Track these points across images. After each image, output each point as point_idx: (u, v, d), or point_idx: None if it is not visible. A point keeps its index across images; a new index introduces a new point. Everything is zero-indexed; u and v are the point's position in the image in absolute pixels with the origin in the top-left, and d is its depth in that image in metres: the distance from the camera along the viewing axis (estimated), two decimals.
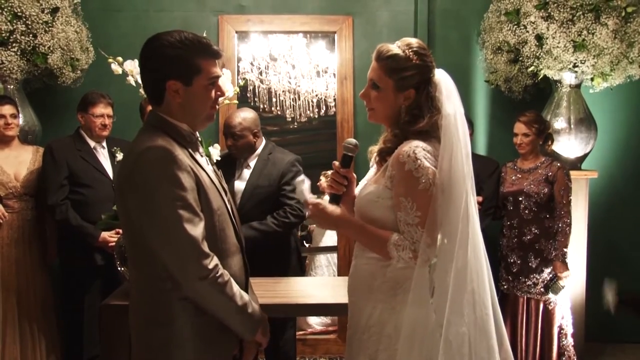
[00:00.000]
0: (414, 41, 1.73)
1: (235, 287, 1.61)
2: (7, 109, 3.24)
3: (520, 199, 3.42)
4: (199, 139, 1.71)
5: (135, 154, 1.54)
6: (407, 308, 1.61)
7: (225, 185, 1.78)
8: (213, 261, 1.55)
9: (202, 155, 1.68)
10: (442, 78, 1.72)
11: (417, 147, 1.61)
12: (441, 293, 1.59)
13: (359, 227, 1.70)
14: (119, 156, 3.33)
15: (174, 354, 1.57)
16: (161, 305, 1.57)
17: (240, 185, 3.14)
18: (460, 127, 1.65)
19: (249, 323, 1.66)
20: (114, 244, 3.11)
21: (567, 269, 3.33)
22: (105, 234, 3.19)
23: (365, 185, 1.78)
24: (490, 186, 3.55)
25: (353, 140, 1.82)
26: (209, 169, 1.68)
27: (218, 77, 1.63)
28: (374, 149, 1.82)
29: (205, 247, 1.54)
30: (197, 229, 1.52)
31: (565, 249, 3.34)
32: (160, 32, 1.62)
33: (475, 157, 3.68)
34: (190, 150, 1.61)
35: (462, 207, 1.60)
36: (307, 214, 1.75)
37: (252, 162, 3.16)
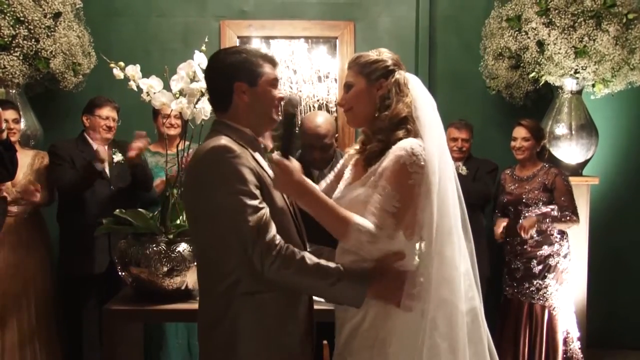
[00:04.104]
0: (384, 49, 1.81)
1: (309, 262, 1.58)
2: (10, 114, 3.20)
3: (519, 207, 3.44)
4: (262, 144, 1.79)
5: (200, 154, 1.63)
6: (397, 312, 1.62)
7: None
8: (277, 246, 1.55)
9: (265, 160, 1.75)
10: (411, 78, 1.77)
11: (415, 144, 1.63)
12: (428, 291, 1.60)
13: (322, 201, 1.62)
14: (117, 157, 3.34)
15: (238, 349, 1.60)
16: (223, 302, 1.61)
17: None
18: (435, 119, 1.70)
19: (349, 292, 1.61)
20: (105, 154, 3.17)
21: (531, 226, 3.27)
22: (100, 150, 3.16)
23: (350, 186, 1.77)
24: (489, 181, 3.60)
25: (294, 98, 1.85)
26: (271, 173, 1.71)
27: (278, 79, 1.75)
28: (351, 151, 1.87)
29: (269, 234, 1.55)
30: (260, 218, 1.55)
31: (548, 220, 3.32)
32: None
33: (475, 159, 3.73)
34: (252, 153, 1.68)
35: (440, 205, 1.61)
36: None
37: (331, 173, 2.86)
